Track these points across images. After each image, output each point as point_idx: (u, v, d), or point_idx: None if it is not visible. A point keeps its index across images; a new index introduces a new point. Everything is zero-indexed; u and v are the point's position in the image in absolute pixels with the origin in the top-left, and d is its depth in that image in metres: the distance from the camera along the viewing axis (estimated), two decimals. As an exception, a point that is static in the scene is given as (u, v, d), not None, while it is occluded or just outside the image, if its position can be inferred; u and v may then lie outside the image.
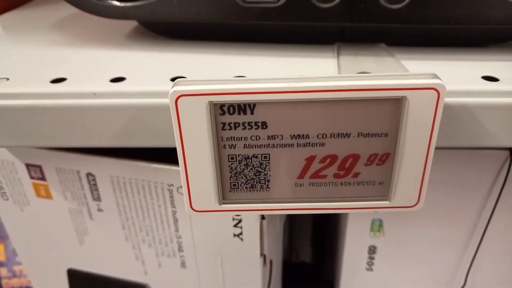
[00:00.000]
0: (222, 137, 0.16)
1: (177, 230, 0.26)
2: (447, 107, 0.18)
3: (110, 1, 0.22)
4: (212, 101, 0.15)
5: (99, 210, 0.27)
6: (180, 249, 0.28)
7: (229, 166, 0.16)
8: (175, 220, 0.26)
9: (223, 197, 0.17)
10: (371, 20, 0.21)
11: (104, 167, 0.25)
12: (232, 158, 0.16)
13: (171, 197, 0.25)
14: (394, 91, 0.15)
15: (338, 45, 0.23)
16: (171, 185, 0.24)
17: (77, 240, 0.29)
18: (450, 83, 0.18)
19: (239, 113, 0.15)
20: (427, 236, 0.28)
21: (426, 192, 0.17)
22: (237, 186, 0.17)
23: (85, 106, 0.19)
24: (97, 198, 0.26)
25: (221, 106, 0.15)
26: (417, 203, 0.17)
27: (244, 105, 0.15)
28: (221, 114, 0.15)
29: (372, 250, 0.29)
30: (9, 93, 0.19)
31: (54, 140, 0.20)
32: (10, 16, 0.32)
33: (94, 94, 0.19)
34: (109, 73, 0.20)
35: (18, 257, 0.36)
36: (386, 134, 0.16)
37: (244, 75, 0.20)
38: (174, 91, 0.15)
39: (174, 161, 0.18)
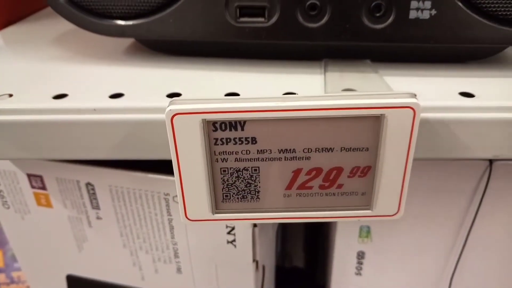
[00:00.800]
0: (214, 152, 0.17)
1: (173, 237, 0.28)
2: (426, 121, 0.19)
3: (108, 20, 0.23)
4: (205, 119, 0.16)
5: (98, 218, 0.28)
6: (176, 255, 0.29)
7: (221, 178, 0.17)
8: (171, 228, 0.27)
9: (216, 207, 0.18)
10: (355, 39, 0.22)
11: (103, 177, 0.26)
12: (224, 171, 0.17)
13: (167, 205, 0.26)
14: (374, 109, 0.16)
15: (325, 61, 0.24)
16: (167, 194, 0.26)
17: (76, 246, 0.30)
18: (429, 99, 0.20)
19: (230, 130, 0.16)
20: (413, 242, 0.29)
21: (406, 201, 0.18)
22: (229, 197, 0.18)
23: (86, 121, 0.20)
24: (96, 207, 0.27)
25: (214, 123, 0.16)
26: (397, 212, 0.18)
27: (235, 122, 0.16)
28: (213, 131, 0.16)
29: (360, 255, 0.30)
30: (13, 109, 0.20)
31: (55, 153, 0.21)
32: (12, 30, 0.33)
33: (94, 109, 0.20)
34: (108, 89, 0.21)
35: (18, 263, 0.37)
36: (367, 149, 0.17)
37: (236, 92, 0.21)
38: (170, 109, 0.16)
39: (170, 172, 0.19)
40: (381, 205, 0.18)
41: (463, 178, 0.27)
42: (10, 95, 0.21)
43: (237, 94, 0.21)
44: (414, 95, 0.16)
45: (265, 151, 0.17)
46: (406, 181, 0.18)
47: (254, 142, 0.17)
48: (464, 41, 0.22)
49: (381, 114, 0.16)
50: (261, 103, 0.16)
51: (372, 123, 0.16)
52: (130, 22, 0.23)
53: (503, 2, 0.21)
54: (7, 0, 0.34)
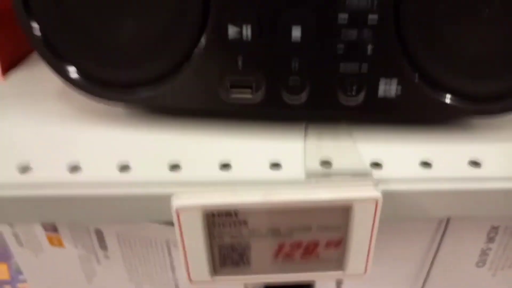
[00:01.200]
0: (213, 232, 0.20)
1: (174, 274, 0.31)
2: (388, 192, 0.23)
3: (113, 92, 0.26)
4: (205, 210, 0.19)
5: (106, 257, 0.31)
6: None
7: (218, 251, 0.21)
8: (173, 268, 0.30)
9: (214, 272, 0.22)
10: (331, 112, 0.25)
11: (111, 225, 0.29)
12: (221, 246, 0.21)
13: (169, 249, 0.29)
14: (344, 201, 0.19)
15: (306, 126, 0.27)
16: (169, 240, 0.29)
17: (85, 281, 0.33)
18: (391, 171, 0.23)
19: (226, 216, 0.20)
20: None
21: (372, 262, 0.22)
22: (225, 264, 0.21)
23: (97, 196, 0.23)
24: (104, 248, 0.31)
25: (212, 213, 0.19)
26: (365, 272, 0.22)
27: (230, 211, 0.19)
28: (212, 217, 0.20)
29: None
30: (33, 183, 0.23)
31: (68, 218, 0.24)
32: (17, 77, 0.35)
33: (105, 185, 0.23)
34: (116, 160, 0.24)
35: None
36: (339, 227, 0.20)
37: (228, 162, 0.24)
38: (176, 206, 0.19)
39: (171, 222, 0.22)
40: (351, 267, 0.22)
41: (418, 236, 0.30)
42: (25, 168, 0.24)
43: (229, 165, 0.24)
44: (377, 184, 0.20)
45: (254, 230, 0.20)
46: (371, 248, 0.21)
47: (245, 224, 0.20)
48: (426, 116, 0.25)
49: (350, 204, 0.19)
50: (250, 198, 0.19)
51: (343, 210, 0.20)
52: (134, 96, 0.26)
53: (461, 82, 0.24)
54: (10, 40, 0.36)
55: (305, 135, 0.26)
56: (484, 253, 0.31)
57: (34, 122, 0.28)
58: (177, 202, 0.19)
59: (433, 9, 0.22)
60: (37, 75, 0.35)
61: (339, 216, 0.20)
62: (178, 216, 0.19)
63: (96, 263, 0.32)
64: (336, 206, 0.19)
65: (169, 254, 0.30)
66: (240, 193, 0.19)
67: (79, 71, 0.25)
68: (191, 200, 0.19)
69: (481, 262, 0.32)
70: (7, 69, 0.35)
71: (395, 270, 0.32)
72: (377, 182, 0.20)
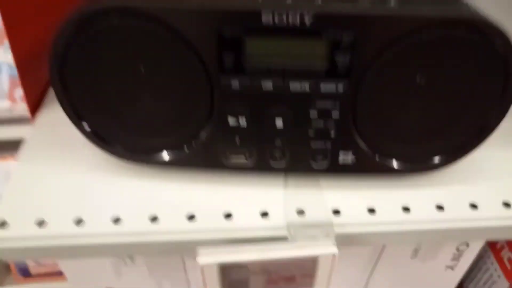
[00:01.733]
0: (225, 273, 0.30)
1: (186, 275, 0.41)
2: (343, 233, 0.32)
3: (139, 156, 0.34)
4: (220, 264, 0.28)
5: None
6: None
7: (228, 284, 0.30)
8: (186, 270, 0.40)
9: (224, 295, 0.31)
10: (307, 172, 0.34)
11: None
12: (230, 281, 0.30)
13: (184, 264, 0.39)
14: (313, 256, 0.29)
15: (285, 179, 0.35)
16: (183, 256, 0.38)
17: (114, 278, 0.43)
18: (347, 217, 0.33)
19: (233, 265, 0.29)
20: None
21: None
22: (232, 290, 0.31)
23: (136, 243, 0.32)
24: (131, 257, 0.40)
25: (225, 265, 0.29)
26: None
27: (237, 264, 0.29)
28: (224, 266, 0.29)
29: None
30: (86, 234, 0.31)
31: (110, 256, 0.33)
32: (44, 118, 0.41)
33: (142, 234, 0.31)
34: (147, 212, 0.33)
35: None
36: (311, 267, 0.30)
37: (230, 212, 0.33)
38: (201, 263, 0.28)
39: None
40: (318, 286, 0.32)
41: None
42: (79, 221, 0.32)
43: (231, 215, 0.33)
44: (335, 244, 0.29)
45: (252, 271, 0.30)
46: (331, 275, 0.31)
47: (246, 267, 0.29)
48: (374, 174, 0.34)
49: (317, 257, 0.29)
50: (250, 256, 0.28)
51: (312, 260, 0.29)
52: (154, 159, 0.34)
53: (399, 150, 0.33)
54: (36, 83, 0.42)
55: (285, 186, 0.35)
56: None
57: (68, 172, 0.36)
58: (202, 260, 0.28)
59: (378, 108, 0.31)
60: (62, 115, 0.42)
61: (310, 262, 0.29)
62: (202, 268, 0.28)
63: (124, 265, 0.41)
64: (308, 258, 0.29)
65: (183, 264, 0.39)
66: (243, 252, 0.29)
67: (109, 139, 0.33)
68: (211, 258, 0.28)
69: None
70: (35, 110, 0.41)
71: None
72: (334, 240, 0.30)
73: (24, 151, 0.38)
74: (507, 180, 0.37)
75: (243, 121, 0.31)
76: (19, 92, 0.55)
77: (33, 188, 0.35)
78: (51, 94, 0.45)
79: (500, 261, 0.48)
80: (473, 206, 0.35)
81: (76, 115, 0.31)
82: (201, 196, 0.34)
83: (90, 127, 0.32)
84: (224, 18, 0.27)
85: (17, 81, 0.55)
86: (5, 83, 0.53)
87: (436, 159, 0.33)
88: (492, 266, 0.49)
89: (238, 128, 0.31)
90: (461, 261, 0.47)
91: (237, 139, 0.32)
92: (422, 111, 0.31)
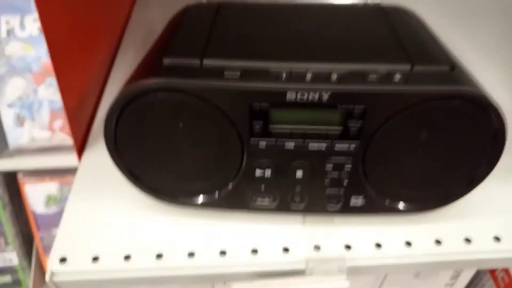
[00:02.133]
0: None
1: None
2: (354, 266, 0.37)
3: (178, 199, 0.39)
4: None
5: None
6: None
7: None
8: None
9: (252, 320, 0.37)
10: (322, 213, 0.39)
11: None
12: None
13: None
14: (328, 289, 0.34)
15: (304, 214, 0.41)
16: (213, 281, 0.44)
17: None
18: (357, 251, 0.38)
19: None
20: None
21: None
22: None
23: (176, 277, 0.37)
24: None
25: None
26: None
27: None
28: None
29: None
30: (133, 269, 0.37)
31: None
32: (90, 158, 0.47)
33: (180, 269, 0.37)
34: (185, 249, 0.38)
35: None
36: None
37: (255, 248, 0.38)
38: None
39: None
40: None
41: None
42: (127, 256, 0.38)
43: (256, 251, 0.38)
44: (346, 279, 0.35)
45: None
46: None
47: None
48: (382, 214, 0.39)
49: (331, 290, 0.34)
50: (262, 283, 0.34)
51: (327, 292, 0.35)
52: (192, 201, 0.39)
53: (404, 195, 0.38)
54: (83, 125, 0.47)
55: (303, 223, 0.40)
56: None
57: (116, 210, 0.41)
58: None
59: (384, 161, 0.35)
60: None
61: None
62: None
63: None
64: None
65: None
66: (270, 286, 0.34)
67: (152, 185, 0.38)
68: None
69: None
70: (81, 151, 0.47)
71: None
72: (346, 274, 0.35)
73: (74, 190, 0.44)
74: (498, 216, 0.42)
75: (268, 173, 0.36)
76: (58, 123, 0.61)
77: (85, 226, 0.40)
78: (96, 133, 0.50)
79: (495, 279, 0.53)
80: (467, 240, 0.40)
81: (130, 173, 0.36)
82: (230, 233, 0.40)
83: (142, 181, 0.37)
84: (255, 95, 0.32)
85: (56, 113, 0.61)
86: (46, 116, 0.59)
87: (434, 202, 0.38)
88: (488, 283, 0.54)
89: (263, 178, 0.36)
90: (459, 279, 0.52)
91: (262, 187, 0.37)
92: (423, 164, 0.36)
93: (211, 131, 0.34)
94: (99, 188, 0.43)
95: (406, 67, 0.33)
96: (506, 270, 0.52)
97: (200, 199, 0.39)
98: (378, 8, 0.44)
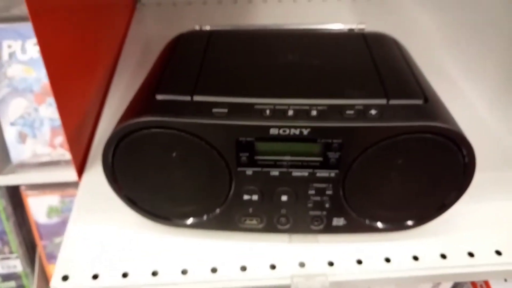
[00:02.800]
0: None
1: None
2: (334, 282, 0.40)
3: (171, 220, 0.42)
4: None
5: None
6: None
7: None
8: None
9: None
10: (307, 232, 0.42)
11: None
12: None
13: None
14: (310, 306, 0.37)
15: (290, 233, 0.43)
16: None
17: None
18: (339, 268, 0.40)
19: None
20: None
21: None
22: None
23: (173, 292, 0.40)
24: None
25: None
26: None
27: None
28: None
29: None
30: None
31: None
32: (89, 178, 0.49)
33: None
34: (179, 268, 0.41)
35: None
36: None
37: (245, 265, 0.41)
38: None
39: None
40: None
41: None
42: (95, 276, 0.40)
43: (245, 268, 0.41)
44: (328, 296, 0.37)
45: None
46: (326, 318, 0.39)
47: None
48: (362, 233, 0.42)
49: (313, 307, 0.37)
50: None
51: (310, 308, 0.37)
52: (184, 223, 0.42)
53: (382, 215, 0.41)
54: (81, 147, 0.50)
55: (289, 241, 0.43)
56: None
57: (116, 229, 0.44)
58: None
59: (363, 186, 0.38)
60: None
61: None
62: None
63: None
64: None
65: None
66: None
67: (147, 207, 0.41)
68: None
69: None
70: (81, 170, 0.49)
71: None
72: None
73: (75, 210, 0.47)
74: (471, 233, 0.44)
75: (255, 197, 0.39)
76: (59, 140, 0.63)
77: (86, 245, 0.43)
78: (96, 151, 0.52)
79: (474, 286, 0.56)
80: (443, 256, 0.42)
81: (127, 198, 0.39)
82: (221, 251, 0.42)
83: (139, 205, 0.40)
84: (241, 131, 0.35)
85: (57, 130, 0.63)
86: (47, 133, 0.62)
87: (410, 223, 0.41)
88: (468, 290, 0.57)
89: (251, 201, 0.39)
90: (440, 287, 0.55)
91: (250, 210, 0.40)
92: (398, 189, 0.38)
93: (201, 161, 0.37)
94: (99, 208, 0.46)
95: (382, 101, 0.36)
96: (485, 278, 0.55)
97: (188, 221, 0.41)
98: (361, 36, 0.46)
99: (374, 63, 0.41)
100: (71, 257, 0.42)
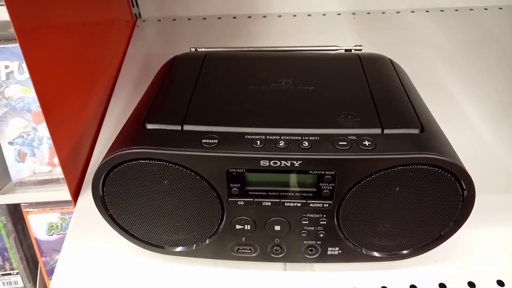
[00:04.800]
0: None
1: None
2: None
3: (163, 248, 0.41)
4: None
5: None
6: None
7: None
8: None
9: None
10: (300, 261, 0.41)
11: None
12: None
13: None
14: None
15: (284, 265, 0.43)
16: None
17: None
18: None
19: None
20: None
21: None
22: None
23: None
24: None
25: None
26: None
27: None
28: None
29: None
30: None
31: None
32: (84, 203, 0.49)
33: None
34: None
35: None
36: None
37: (238, 294, 0.40)
38: None
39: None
40: None
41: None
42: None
43: (239, 297, 0.40)
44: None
45: None
46: None
47: None
48: (357, 262, 0.41)
49: None
50: None
51: None
52: (175, 251, 0.41)
53: (377, 244, 0.40)
54: (76, 172, 0.50)
55: (284, 269, 0.42)
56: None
57: (106, 251, 0.44)
58: None
59: (357, 216, 0.37)
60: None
61: None
62: None
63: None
64: None
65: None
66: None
67: (138, 235, 0.40)
68: None
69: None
70: (77, 197, 0.49)
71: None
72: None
73: (69, 234, 0.46)
74: (472, 260, 0.43)
75: (247, 227, 0.38)
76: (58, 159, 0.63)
77: (78, 270, 0.43)
78: (91, 175, 0.52)
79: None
80: (442, 286, 0.41)
81: (118, 226, 0.39)
82: (216, 279, 0.42)
83: (130, 233, 0.40)
84: (231, 162, 0.34)
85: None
86: (46, 152, 0.62)
87: (407, 251, 0.40)
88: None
89: (243, 231, 0.38)
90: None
91: (243, 239, 0.39)
92: (394, 219, 0.37)
93: (192, 192, 0.36)
94: (92, 232, 0.46)
95: (377, 131, 0.35)
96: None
97: (178, 248, 0.41)
98: (357, 59, 0.45)
99: (369, 89, 0.40)
100: (65, 281, 0.42)
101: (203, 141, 0.34)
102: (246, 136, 0.35)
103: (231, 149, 0.34)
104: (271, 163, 0.34)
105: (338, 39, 0.78)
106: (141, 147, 0.34)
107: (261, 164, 0.34)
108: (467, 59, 0.72)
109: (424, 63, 0.71)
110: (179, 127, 0.35)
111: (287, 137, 0.34)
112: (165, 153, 0.34)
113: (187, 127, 0.35)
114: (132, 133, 0.36)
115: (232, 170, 0.34)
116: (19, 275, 0.75)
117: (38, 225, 0.70)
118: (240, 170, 0.34)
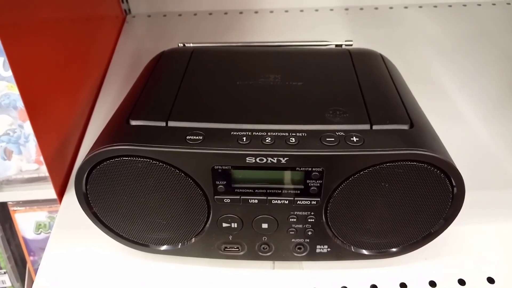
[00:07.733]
0: None
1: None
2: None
3: (149, 247, 0.40)
4: None
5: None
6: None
7: None
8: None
9: None
10: (289, 259, 0.40)
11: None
12: None
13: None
14: None
15: (273, 263, 0.42)
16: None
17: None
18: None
19: None
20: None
21: None
22: None
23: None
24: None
25: None
26: None
27: None
28: None
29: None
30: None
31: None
32: (69, 201, 0.48)
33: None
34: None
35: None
36: None
37: (226, 293, 0.39)
38: None
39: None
40: None
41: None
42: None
43: (227, 296, 0.39)
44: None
45: None
46: None
47: None
48: (346, 260, 0.40)
49: None
50: None
51: None
52: (161, 249, 0.40)
53: (366, 241, 0.39)
54: (61, 171, 0.49)
55: (273, 267, 0.42)
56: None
57: (91, 250, 0.43)
58: None
59: (345, 213, 0.37)
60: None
61: None
62: None
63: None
64: None
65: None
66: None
67: (123, 234, 0.40)
68: None
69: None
70: (62, 195, 0.48)
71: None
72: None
73: (54, 232, 0.45)
74: (462, 258, 0.43)
75: (234, 225, 0.37)
76: (44, 156, 0.61)
77: (62, 270, 0.42)
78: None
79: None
80: (432, 283, 0.41)
81: (102, 225, 0.38)
82: (204, 278, 0.41)
83: (115, 231, 0.39)
84: (216, 159, 0.33)
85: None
86: (33, 150, 0.61)
87: (396, 249, 0.39)
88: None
89: (230, 229, 0.38)
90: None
91: (230, 237, 0.38)
92: (383, 216, 0.37)
93: (177, 189, 0.35)
94: (77, 231, 0.45)
95: (365, 126, 0.35)
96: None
97: (162, 247, 0.40)
98: (347, 54, 0.45)
99: (359, 85, 0.39)
100: (49, 277, 0.41)
101: (188, 137, 0.33)
102: (232, 133, 0.34)
103: (216, 146, 0.33)
104: (257, 159, 0.33)
105: (331, 35, 0.77)
106: (124, 144, 0.33)
107: (247, 161, 0.33)
108: (460, 55, 0.72)
109: (417, 58, 0.70)
110: (163, 123, 0.35)
111: (274, 133, 0.34)
112: (148, 150, 0.33)
113: (171, 123, 0.35)
114: (115, 129, 0.35)
115: (217, 167, 0.34)
116: (6, 275, 0.73)
117: (26, 224, 0.69)
118: (226, 167, 0.34)
